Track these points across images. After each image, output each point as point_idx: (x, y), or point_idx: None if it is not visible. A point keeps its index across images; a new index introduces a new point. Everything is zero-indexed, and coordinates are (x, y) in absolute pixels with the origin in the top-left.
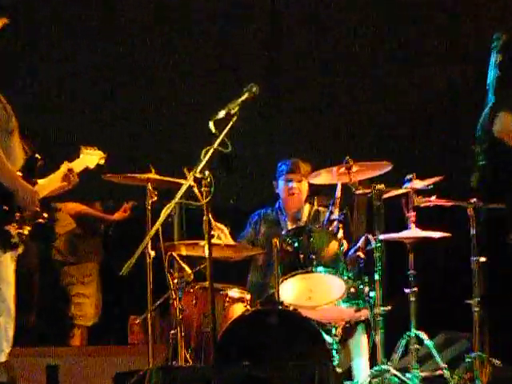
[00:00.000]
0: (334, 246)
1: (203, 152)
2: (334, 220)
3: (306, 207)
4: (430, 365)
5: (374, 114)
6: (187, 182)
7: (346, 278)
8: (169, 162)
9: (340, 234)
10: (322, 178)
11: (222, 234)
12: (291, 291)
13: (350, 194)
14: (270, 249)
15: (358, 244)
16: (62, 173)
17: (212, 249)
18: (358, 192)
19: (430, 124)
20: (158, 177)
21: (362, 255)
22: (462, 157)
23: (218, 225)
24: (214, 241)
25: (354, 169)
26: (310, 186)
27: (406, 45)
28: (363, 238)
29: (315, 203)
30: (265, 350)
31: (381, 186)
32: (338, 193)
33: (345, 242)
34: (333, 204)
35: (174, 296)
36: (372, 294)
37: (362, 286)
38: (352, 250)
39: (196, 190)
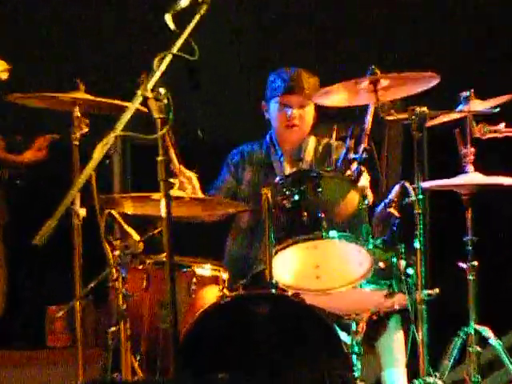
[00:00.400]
0: (353, 198)
1: (156, 60)
2: (354, 160)
3: (312, 141)
4: (498, 376)
5: (412, 6)
6: (133, 105)
7: (371, 247)
8: (108, 76)
9: (363, 182)
10: (335, 97)
11: (187, 184)
12: (290, 267)
13: (376, 123)
14: (259, 204)
15: (390, 196)
16: None
17: (172, 205)
18: (388, 118)
19: (491, 22)
20: (89, 97)
21: (395, 213)
22: None
23: (183, 169)
24: (175, 193)
25: (384, 83)
26: (318, 109)
27: None
28: (397, 187)
29: (334, 135)
30: (250, 357)
31: (423, 110)
32: (369, 118)
33: (370, 193)
34: (351, 136)
35: (115, 276)
36: (411, 270)
37: (395, 260)
38: (381, 206)
39: (153, 109)
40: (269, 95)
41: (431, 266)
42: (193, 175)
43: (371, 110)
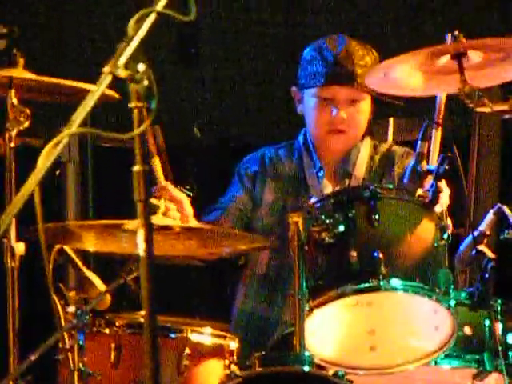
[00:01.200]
0: (425, 231)
1: (133, 22)
2: (428, 174)
3: (366, 147)
4: None
5: None
6: (98, 88)
7: (453, 303)
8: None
9: (441, 206)
10: (402, 80)
11: (174, 211)
12: (331, 333)
13: (461, 118)
14: (284, 238)
15: (482, 227)
16: None
17: (154, 238)
18: (480, 110)
19: None
20: (32, 76)
21: (488, 252)
22: None
23: (170, 187)
24: (159, 220)
25: (473, 59)
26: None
27: None
28: (492, 213)
29: (390, 134)
30: None
31: None
32: (439, 112)
33: (450, 223)
34: (424, 137)
35: (68, 344)
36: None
37: (488, 322)
38: (467, 241)
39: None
40: (303, 82)
41: None
42: (184, 197)
43: (440, 101)
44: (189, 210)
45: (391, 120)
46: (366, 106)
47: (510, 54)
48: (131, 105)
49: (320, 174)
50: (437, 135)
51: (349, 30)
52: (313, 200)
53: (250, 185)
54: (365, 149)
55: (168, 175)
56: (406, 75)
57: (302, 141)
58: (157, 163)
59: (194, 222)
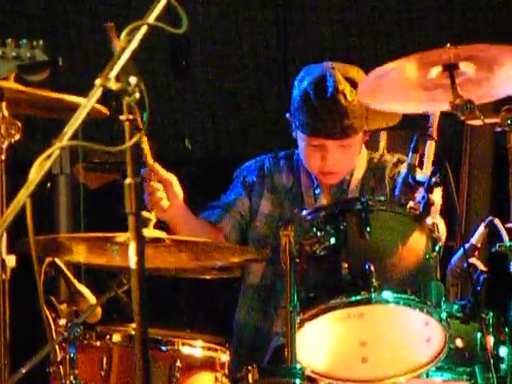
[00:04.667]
0: (417, 243)
1: (124, 34)
2: (419, 185)
3: (362, 159)
4: None
5: None
6: (89, 101)
7: (444, 315)
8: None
9: (433, 219)
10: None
11: (160, 193)
12: (323, 345)
13: (453, 131)
14: (278, 249)
15: (473, 240)
16: None
17: (146, 251)
18: (472, 123)
19: None
20: (20, 87)
21: (480, 265)
22: None
23: (158, 167)
24: (150, 233)
25: (465, 69)
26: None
27: None
28: (483, 226)
29: (382, 146)
30: None
31: None
32: (433, 124)
33: (442, 235)
34: (415, 148)
35: (59, 356)
36: (504, 351)
37: (480, 335)
38: (459, 254)
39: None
40: (294, 121)
41: None
42: (173, 178)
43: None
44: (178, 190)
45: (383, 133)
46: (357, 142)
47: (501, 66)
48: (122, 117)
49: (317, 192)
50: (430, 148)
51: (340, 43)
52: (304, 212)
53: (248, 191)
54: (361, 163)
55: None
56: (397, 88)
57: (296, 160)
58: (145, 144)
59: (180, 204)
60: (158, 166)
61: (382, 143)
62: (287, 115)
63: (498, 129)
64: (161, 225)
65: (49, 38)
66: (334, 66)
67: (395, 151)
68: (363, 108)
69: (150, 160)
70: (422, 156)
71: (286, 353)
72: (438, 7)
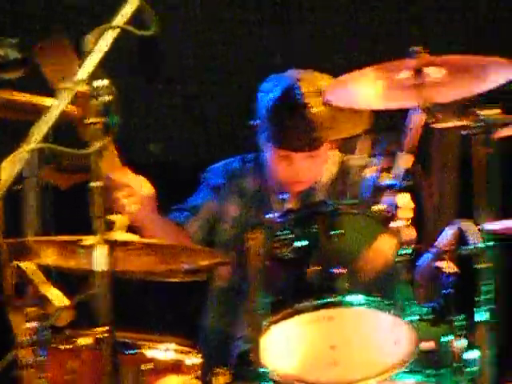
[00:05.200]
0: (385, 246)
1: (91, 37)
2: (389, 188)
3: (332, 162)
4: None
5: None
6: (58, 103)
7: (413, 318)
8: None
9: (401, 222)
10: (362, 94)
11: (123, 196)
12: (291, 349)
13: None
14: (244, 252)
15: (441, 243)
16: None
17: (111, 254)
18: (437, 127)
19: None
20: None
21: (449, 268)
22: None
23: (115, 176)
24: (115, 235)
25: (435, 74)
26: None
27: None
28: (451, 229)
29: (359, 148)
30: None
31: (493, 113)
32: (415, 125)
33: (412, 237)
34: (385, 151)
35: (28, 360)
36: (473, 354)
37: (449, 338)
38: (427, 257)
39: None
40: (260, 130)
41: (505, 347)
42: (133, 180)
43: (417, 115)
44: (147, 193)
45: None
46: (325, 151)
47: (472, 71)
48: (89, 121)
49: (285, 197)
50: (403, 154)
51: (310, 46)
52: (273, 215)
53: (214, 197)
54: (331, 166)
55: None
56: (366, 88)
57: (262, 165)
58: (111, 148)
59: (150, 207)
60: (120, 172)
61: (360, 146)
62: (252, 122)
63: (465, 132)
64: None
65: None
66: (302, 76)
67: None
68: (330, 118)
69: (112, 166)
70: (392, 153)
71: (252, 357)
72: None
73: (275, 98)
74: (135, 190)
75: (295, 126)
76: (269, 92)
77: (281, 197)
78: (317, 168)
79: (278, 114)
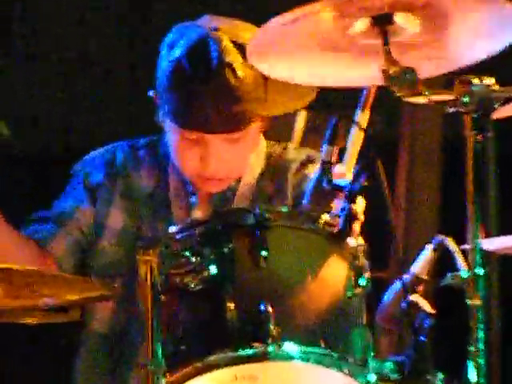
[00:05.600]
0: (335, 274)
1: None
2: (337, 191)
3: (258, 154)
4: None
5: None
6: None
7: (372, 377)
8: None
9: (357, 239)
10: (300, 60)
11: None
12: None
13: (386, 113)
14: (133, 282)
15: (415, 269)
16: None
17: None
18: (411, 101)
19: None
20: None
21: (424, 305)
22: None
23: None
24: None
25: (403, 27)
26: None
27: None
28: (430, 248)
29: (298, 132)
30: None
31: (488, 84)
32: (364, 106)
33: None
34: (332, 139)
35: None
36: None
37: None
38: (394, 288)
39: None
40: (160, 103)
41: None
42: None
43: (369, 89)
44: None
45: (301, 113)
46: (252, 134)
47: (455, 20)
48: None
49: (192, 200)
50: (356, 138)
51: None
52: (173, 229)
53: (90, 201)
54: (256, 160)
55: None
56: (305, 49)
57: (163, 151)
58: None
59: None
60: None
61: (299, 131)
62: (150, 93)
63: (450, 109)
64: None
65: None
66: (220, 25)
67: (314, 142)
68: (260, 85)
69: None
70: (342, 150)
71: None
72: None
73: (181, 53)
74: None
75: (208, 96)
76: (172, 47)
77: (187, 199)
78: (239, 159)
79: (183, 78)
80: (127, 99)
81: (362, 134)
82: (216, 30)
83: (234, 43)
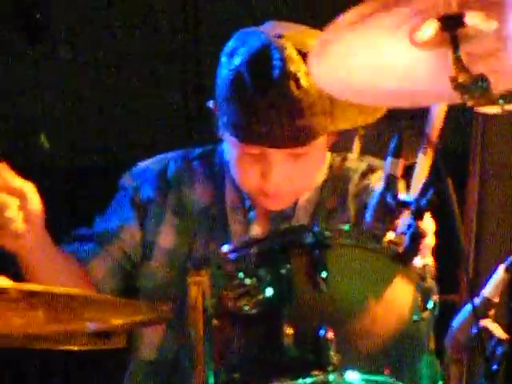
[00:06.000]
0: (400, 297)
1: None
2: (403, 208)
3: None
4: None
5: None
6: None
7: None
8: None
9: (425, 259)
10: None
11: (13, 204)
12: None
13: (456, 124)
14: (183, 306)
15: (487, 292)
16: None
17: None
18: (482, 111)
19: None
20: None
21: (498, 331)
22: None
23: (5, 173)
24: None
25: (474, 28)
26: None
27: None
28: (503, 269)
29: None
30: None
31: None
32: (434, 123)
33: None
34: (395, 154)
35: None
36: None
37: None
38: (464, 313)
39: None
40: (220, 115)
41: None
42: (28, 187)
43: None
44: (36, 208)
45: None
46: (319, 149)
47: None
48: None
49: (250, 216)
50: (426, 154)
51: None
52: (227, 248)
53: (138, 218)
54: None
55: None
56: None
57: (224, 158)
58: None
59: (40, 229)
60: (5, 171)
61: (358, 139)
62: (210, 104)
63: None
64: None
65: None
66: (284, 32)
67: (374, 151)
68: (326, 97)
69: None
70: (409, 167)
71: None
72: None
73: (242, 62)
74: (25, 200)
75: (270, 109)
76: (232, 56)
77: (245, 215)
78: (303, 175)
79: (244, 89)
80: (171, 107)
81: (430, 153)
82: (280, 36)
83: (299, 51)
